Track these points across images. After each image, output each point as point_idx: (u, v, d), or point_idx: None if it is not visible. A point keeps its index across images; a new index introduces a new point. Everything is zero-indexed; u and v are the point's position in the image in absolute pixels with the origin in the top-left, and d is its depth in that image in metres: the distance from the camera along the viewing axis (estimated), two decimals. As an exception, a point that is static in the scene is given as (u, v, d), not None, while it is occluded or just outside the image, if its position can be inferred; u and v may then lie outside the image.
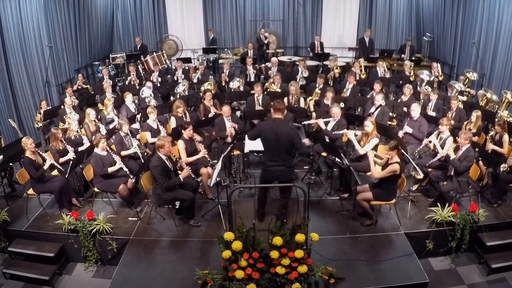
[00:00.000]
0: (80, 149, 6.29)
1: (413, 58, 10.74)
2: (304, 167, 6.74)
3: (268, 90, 8.40)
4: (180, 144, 5.73)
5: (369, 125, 5.67)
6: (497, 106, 7.28)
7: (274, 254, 4.04)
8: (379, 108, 6.96)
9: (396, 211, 5.37)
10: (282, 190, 5.02)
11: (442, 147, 5.70)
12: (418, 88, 8.41)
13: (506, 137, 5.89)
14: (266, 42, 12.09)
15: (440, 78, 8.92)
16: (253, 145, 5.30)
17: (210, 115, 7.21)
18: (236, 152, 6.38)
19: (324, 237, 4.76)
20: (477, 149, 5.47)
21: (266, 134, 4.68)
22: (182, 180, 5.16)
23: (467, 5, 9.58)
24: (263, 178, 5.00)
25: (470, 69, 8.85)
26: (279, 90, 8.31)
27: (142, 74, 10.26)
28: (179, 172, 5.33)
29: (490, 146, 5.89)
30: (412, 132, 6.34)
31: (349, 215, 5.43)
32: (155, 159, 5.08)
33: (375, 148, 5.55)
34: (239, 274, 4.01)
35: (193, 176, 5.39)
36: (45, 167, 5.52)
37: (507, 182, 5.50)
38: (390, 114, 7.28)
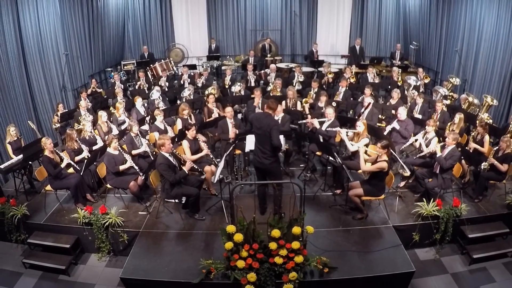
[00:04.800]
0: (94, 148, 6.29)
1: (400, 64, 10.72)
2: (300, 165, 6.74)
3: (272, 94, 8.39)
4: (185, 143, 5.74)
5: (360, 125, 5.67)
6: (478, 109, 7.28)
7: (273, 245, 4.05)
8: (369, 108, 6.96)
9: (385, 206, 5.37)
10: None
11: (427, 146, 5.71)
12: (406, 92, 8.41)
13: (486, 137, 5.91)
14: (270, 53, 12.13)
15: (426, 80, 8.92)
16: (254, 145, 5.29)
17: (213, 116, 7.22)
18: (237, 152, 6.38)
19: (318, 229, 4.76)
20: (459, 149, 5.47)
21: (254, 124, 4.85)
22: (187, 172, 5.14)
23: (450, 15, 9.58)
24: (254, 167, 5.07)
25: (453, 75, 8.86)
26: (280, 94, 8.32)
27: (151, 80, 10.27)
28: (183, 167, 5.31)
29: (473, 145, 5.90)
30: (399, 129, 6.35)
31: (341, 210, 5.44)
32: (159, 157, 5.08)
33: (365, 147, 5.54)
34: (240, 263, 4.02)
35: (196, 167, 5.39)
36: (62, 165, 5.54)
37: (487, 179, 5.51)
38: (380, 116, 7.28)
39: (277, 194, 4.98)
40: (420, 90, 8.44)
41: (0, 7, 6.86)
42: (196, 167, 5.39)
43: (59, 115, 7.63)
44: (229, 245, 4.08)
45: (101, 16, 10.65)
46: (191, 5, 13.06)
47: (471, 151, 5.83)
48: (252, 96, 7.96)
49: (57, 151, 5.65)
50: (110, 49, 11.62)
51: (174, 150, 5.31)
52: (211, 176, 5.64)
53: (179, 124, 6.85)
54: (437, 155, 5.30)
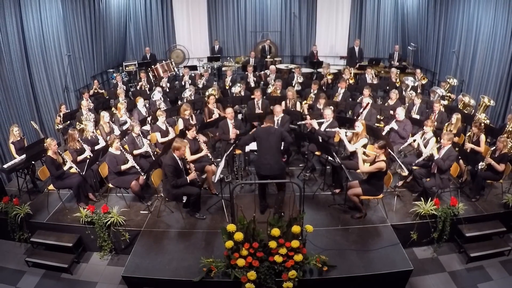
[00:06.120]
0: (96, 147, 6.29)
1: (399, 65, 10.72)
2: (300, 165, 6.74)
3: (272, 95, 8.39)
4: (185, 143, 5.73)
5: (359, 125, 5.66)
6: (473, 110, 7.28)
7: (273, 244, 4.06)
8: (367, 108, 6.96)
9: (384, 205, 5.37)
10: (279, 186, 5.17)
11: (425, 146, 5.71)
12: (404, 93, 8.41)
13: (482, 137, 5.92)
14: (270, 54, 12.13)
15: (424, 81, 8.92)
16: (254, 145, 5.32)
17: (213, 116, 7.22)
18: (238, 151, 6.38)
19: (318, 228, 4.75)
20: (457, 149, 5.48)
21: (262, 137, 5.02)
22: (188, 181, 5.13)
23: (448, 17, 9.59)
24: (258, 174, 5.09)
25: (450, 75, 8.86)
26: (280, 95, 8.32)
27: (152, 80, 10.27)
28: (189, 171, 5.30)
29: (469, 145, 5.90)
30: (397, 129, 6.35)
31: (340, 209, 5.44)
32: (168, 158, 5.07)
33: (364, 147, 5.54)
34: (241, 262, 4.02)
35: (198, 179, 5.38)
36: (65, 168, 5.55)
37: (484, 178, 5.51)
38: (378, 116, 7.27)
39: (280, 194, 5.00)
40: (418, 91, 8.44)
41: (3, 9, 6.87)
42: (197, 179, 5.36)
43: (61, 115, 7.63)
44: (229, 243, 4.08)
45: (103, 17, 10.65)
46: (191, 6, 13.08)
47: (468, 151, 5.83)
48: (252, 96, 7.97)
49: (60, 153, 5.64)
50: (112, 50, 11.62)
51: (185, 158, 5.27)
52: (212, 175, 5.64)
53: (180, 124, 6.86)
54: (435, 158, 5.30)
